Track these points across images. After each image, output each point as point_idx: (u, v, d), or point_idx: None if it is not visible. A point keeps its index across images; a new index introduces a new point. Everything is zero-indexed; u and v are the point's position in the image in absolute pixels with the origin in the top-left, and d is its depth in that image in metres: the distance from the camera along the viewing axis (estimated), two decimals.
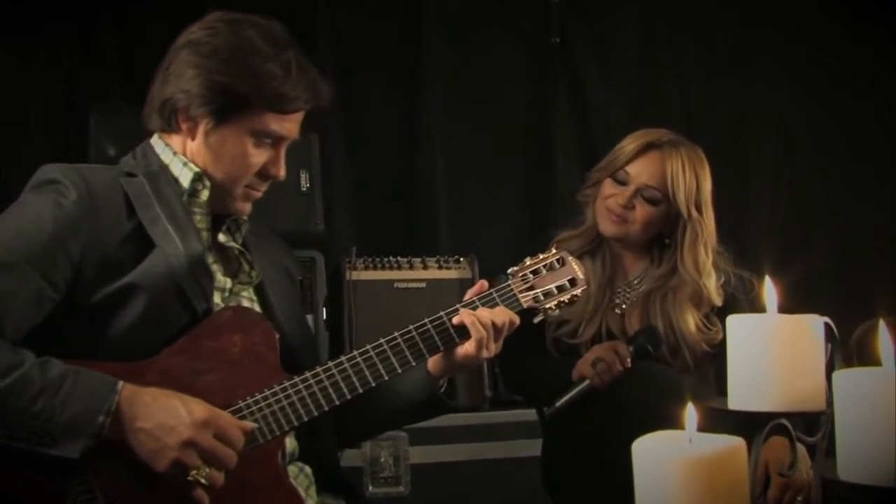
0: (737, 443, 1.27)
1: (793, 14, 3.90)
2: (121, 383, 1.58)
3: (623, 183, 2.49)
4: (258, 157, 1.81)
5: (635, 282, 2.56)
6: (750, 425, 1.44)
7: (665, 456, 1.26)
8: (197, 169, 1.81)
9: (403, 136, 3.64)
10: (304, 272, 2.97)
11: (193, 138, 1.81)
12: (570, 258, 1.95)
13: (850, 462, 1.25)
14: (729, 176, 3.77)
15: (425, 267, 3.14)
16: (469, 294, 1.89)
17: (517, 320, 1.85)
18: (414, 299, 3.07)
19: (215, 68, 1.76)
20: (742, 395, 1.44)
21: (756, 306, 2.15)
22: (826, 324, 1.49)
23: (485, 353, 1.82)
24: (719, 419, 1.43)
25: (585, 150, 3.41)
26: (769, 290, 1.46)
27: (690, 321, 2.42)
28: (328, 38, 3.53)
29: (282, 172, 1.86)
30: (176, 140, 1.84)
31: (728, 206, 3.75)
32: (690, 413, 1.31)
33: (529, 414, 2.81)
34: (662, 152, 2.47)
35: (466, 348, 1.82)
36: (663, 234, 2.53)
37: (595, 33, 3.83)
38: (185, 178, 1.82)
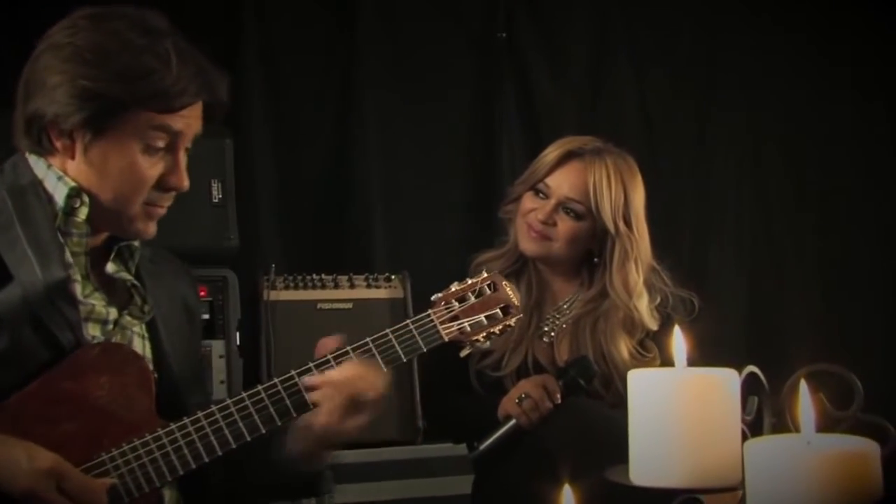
0: None
1: (761, 1, 3.76)
2: None
3: (543, 196, 2.36)
4: (152, 167, 1.61)
5: (565, 307, 2.42)
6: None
7: None
8: (72, 183, 1.61)
9: (334, 141, 3.43)
10: (214, 293, 2.80)
11: (73, 157, 1.61)
12: (503, 283, 1.76)
13: None
14: (691, 182, 3.70)
15: (352, 286, 2.95)
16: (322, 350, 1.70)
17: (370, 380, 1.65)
18: (339, 322, 2.87)
19: (80, 72, 1.56)
20: (644, 466, 1.25)
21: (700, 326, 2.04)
22: (752, 373, 1.32)
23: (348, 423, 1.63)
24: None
25: (534, 155, 3.18)
26: (678, 341, 1.26)
27: (623, 349, 2.31)
28: (253, 31, 3.33)
29: (185, 182, 1.65)
30: (54, 161, 1.65)
31: (690, 215, 3.63)
32: (567, 497, 1.15)
33: (465, 447, 2.61)
34: (584, 161, 2.34)
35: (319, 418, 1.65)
36: (592, 252, 2.40)
37: (545, 27, 3.65)
38: (59, 195, 1.62)
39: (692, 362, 1.27)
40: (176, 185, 1.65)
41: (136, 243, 1.71)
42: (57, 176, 1.62)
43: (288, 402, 1.64)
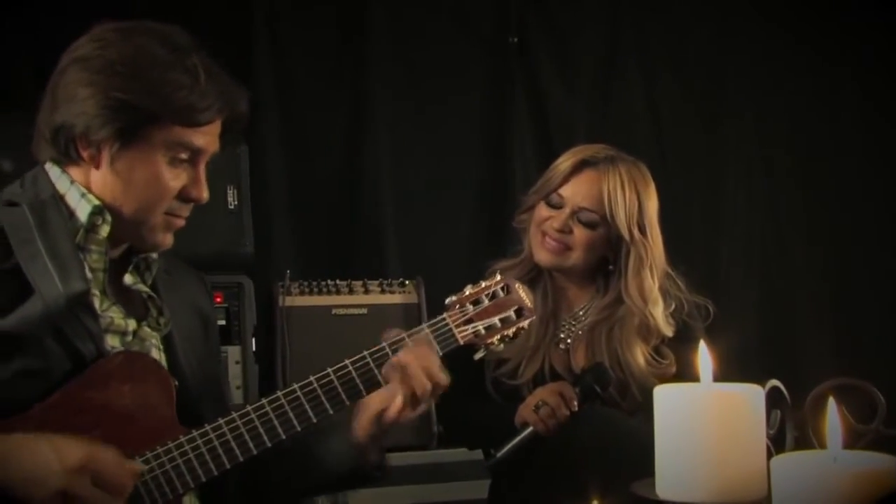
0: None
1: (771, 8, 3.73)
2: None
3: (557, 206, 2.34)
4: (175, 178, 1.64)
5: (581, 313, 2.41)
6: None
7: None
8: (96, 202, 1.63)
9: (346, 147, 3.44)
10: (230, 299, 2.83)
11: (98, 167, 1.63)
12: (516, 285, 1.76)
13: None
14: (701, 187, 3.69)
15: (366, 291, 2.97)
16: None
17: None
18: (354, 327, 2.90)
19: (112, 84, 1.58)
20: (670, 481, 1.24)
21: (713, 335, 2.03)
22: (775, 387, 1.38)
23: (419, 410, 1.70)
24: None
25: (546, 160, 3.18)
26: (703, 357, 1.26)
27: (639, 355, 2.28)
28: (265, 39, 3.35)
29: (205, 194, 1.69)
30: (76, 171, 1.66)
31: (699, 219, 3.62)
32: None
33: (481, 452, 2.60)
34: (598, 170, 2.32)
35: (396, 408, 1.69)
36: (607, 259, 2.38)
37: (557, 32, 3.64)
38: (82, 212, 1.63)
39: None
40: (197, 196, 1.68)
41: (154, 255, 1.73)
42: (80, 193, 1.64)
43: (291, 413, 1.64)
